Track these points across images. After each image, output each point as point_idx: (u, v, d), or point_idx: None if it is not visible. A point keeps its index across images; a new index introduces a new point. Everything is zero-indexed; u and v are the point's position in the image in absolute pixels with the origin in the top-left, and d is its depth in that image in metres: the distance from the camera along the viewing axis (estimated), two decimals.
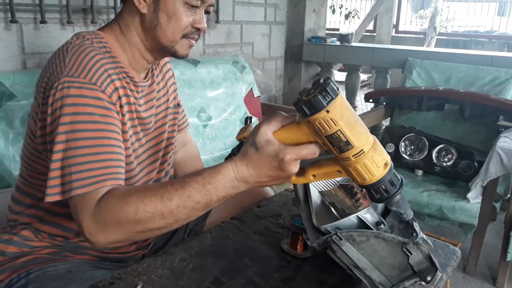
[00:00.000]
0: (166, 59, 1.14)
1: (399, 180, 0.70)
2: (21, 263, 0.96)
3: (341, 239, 0.74)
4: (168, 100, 1.12)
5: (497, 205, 2.14)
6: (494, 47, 6.71)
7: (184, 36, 0.94)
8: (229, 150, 2.44)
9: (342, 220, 0.80)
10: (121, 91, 0.91)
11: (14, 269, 0.96)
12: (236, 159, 0.72)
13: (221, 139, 2.23)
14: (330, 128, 0.64)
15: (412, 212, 0.74)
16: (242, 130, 0.78)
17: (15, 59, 1.69)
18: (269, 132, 0.70)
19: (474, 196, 1.99)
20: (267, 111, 2.61)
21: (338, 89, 0.64)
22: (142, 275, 0.80)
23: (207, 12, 0.97)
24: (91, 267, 1.01)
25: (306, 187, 0.91)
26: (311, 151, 0.69)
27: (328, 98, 0.63)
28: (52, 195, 0.80)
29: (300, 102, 0.65)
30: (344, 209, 0.87)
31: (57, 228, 0.98)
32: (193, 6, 0.91)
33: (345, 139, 0.65)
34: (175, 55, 0.97)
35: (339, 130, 0.64)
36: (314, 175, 0.73)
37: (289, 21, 3.10)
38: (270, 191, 1.26)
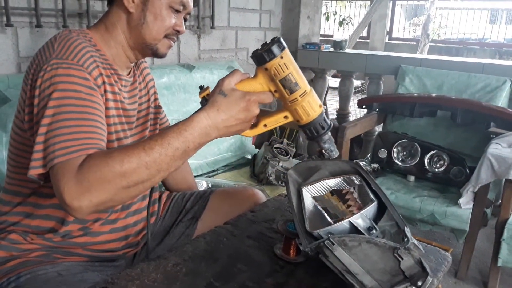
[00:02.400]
0: (146, 64, 1.20)
1: (329, 121, 0.89)
2: (10, 266, 0.96)
3: (334, 244, 0.75)
4: (149, 99, 1.18)
5: (488, 210, 2.16)
6: (486, 54, 6.79)
7: (166, 36, 1.03)
8: (224, 155, 2.43)
9: (334, 225, 0.81)
10: (105, 79, 0.96)
11: (4, 273, 0.96)
12: (207, 108, 0.82)
13: (215, 144, 2.23)
14: (283, 72, 0.82)
15: (337, 152, 0.90)
16: (202, 91, 0.87)
17: (10, 63, 1.69)
18: (232, 83, 0.84)
19: (466, 202, 2.00)
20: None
21: (284, 43, 0.83)
22: (135, 279, 0.80)
23: (185, 19, 1.06)
24: (81, 269, 1.01)
25: (299, 192, 0.92)
26: (268, 96, 0.85)
27: (281, 47, 0.82)
28: (35, 168, 0.81)
29: (259, 53, 0.82)
30: (336, 214, 0.88)
31: (45, 219, 1.00)
32: (176, 11, 1.01)
33: (294, 81, 0.83)
34: (156, 53, 1.04)
35: (290, 73, 0.82)
36: (265, 125, 0.89)
37: (284, 27, 3.12)
38: (263, 197, 1.27)
